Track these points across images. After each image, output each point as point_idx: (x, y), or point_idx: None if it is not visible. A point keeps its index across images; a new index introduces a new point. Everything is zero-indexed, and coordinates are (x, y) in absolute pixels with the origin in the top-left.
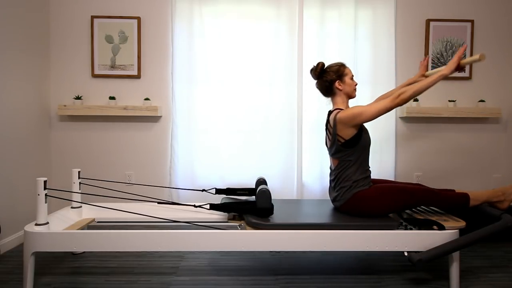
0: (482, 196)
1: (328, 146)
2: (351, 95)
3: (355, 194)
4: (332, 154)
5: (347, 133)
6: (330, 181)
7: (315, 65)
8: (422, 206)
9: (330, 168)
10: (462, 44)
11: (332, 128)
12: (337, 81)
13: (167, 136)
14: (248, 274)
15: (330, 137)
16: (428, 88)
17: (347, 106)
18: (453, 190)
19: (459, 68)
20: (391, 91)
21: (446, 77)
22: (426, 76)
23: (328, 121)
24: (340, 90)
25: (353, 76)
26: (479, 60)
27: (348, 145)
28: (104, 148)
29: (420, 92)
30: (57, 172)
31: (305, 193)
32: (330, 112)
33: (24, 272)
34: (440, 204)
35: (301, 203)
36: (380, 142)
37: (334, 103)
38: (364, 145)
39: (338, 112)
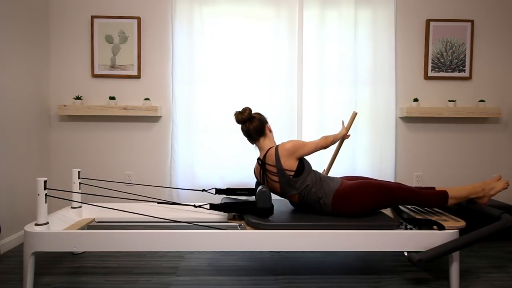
0: (462, 193)
1: (279, 190)
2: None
3: (332, 202)
4: (288, 193)
5: (292, 164)
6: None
7: (242, 109)
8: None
9: (295, 205)
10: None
11: (276, 166)
12: (267, 123)
13: (167, 136)
14: (248, 274)
15: (276, 177)
16: (338, 140)
17: (277, 144)
18: (433, 188)
19: (347, 130)
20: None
21: (343, 138)
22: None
23: (264, 164)
24: (270, 132)
25: None
26: (355, 115)
27: (297, 174)
28: (104, 148)
29: (335, 140)
30: (57, 172)
31: None
32: (260, 159)
33: (24, 272)
34: (419, 203)
35: None
36: (380, 142)
37: (263, 146)
38: (310, 169)
39: (277, 146)
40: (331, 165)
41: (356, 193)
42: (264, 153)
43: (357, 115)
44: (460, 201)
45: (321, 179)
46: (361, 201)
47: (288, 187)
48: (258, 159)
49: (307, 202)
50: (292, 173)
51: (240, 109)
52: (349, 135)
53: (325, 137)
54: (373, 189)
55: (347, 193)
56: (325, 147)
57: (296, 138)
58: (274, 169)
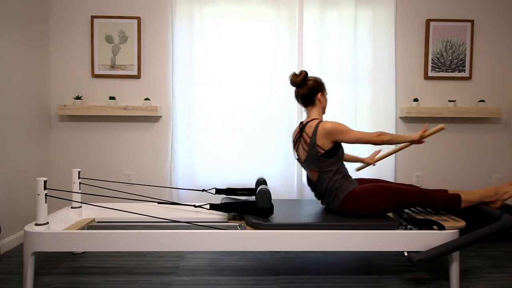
0: (475, 197)
1: (303, 159)
2: (324, 111)
3: (344, 198)
4: (309, 166)
5: (325, 143)
6: (315, 194)
7: (300, 71)
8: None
9: (310, 183)
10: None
11: (310, 138)
12: (320, 93)
13: (167, 136)
14: (248, 274)
15: (306, 147)
16: (398, 143)
17: (322, 120)
18: (446, 191)
19: (423, 137)
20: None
21: (413, 142)
22: (376, 161)
23: (303, 130)
24: (320, 103)
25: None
26: (441, 129)
27: (327, 155)
28: (104, 148)
29: (393, 142)
30: (57, 172)
31: (305, 193)
32: (303, 123)
33: (24, 272)
34: (432, 206)
35: (301, 203)
36: None
37: (309, 114)
38: (341, 156)
39: (321, 121)
40: (381, 159)
41: (368, 195)
42: (308, 120)
43: (443, 129)
44: (472, 205)
45: (345, 175)
46: (373, 203)
47: (313, 160)
48: (301, 122)
49: (322, 186)
50: (323, 151)
51: (297, 71)
52: (424, 141)
53: (380, 133)
54: (385, 191)
55: (361, 195)
56: (374, 143)
57: None
58: (308, 139)
